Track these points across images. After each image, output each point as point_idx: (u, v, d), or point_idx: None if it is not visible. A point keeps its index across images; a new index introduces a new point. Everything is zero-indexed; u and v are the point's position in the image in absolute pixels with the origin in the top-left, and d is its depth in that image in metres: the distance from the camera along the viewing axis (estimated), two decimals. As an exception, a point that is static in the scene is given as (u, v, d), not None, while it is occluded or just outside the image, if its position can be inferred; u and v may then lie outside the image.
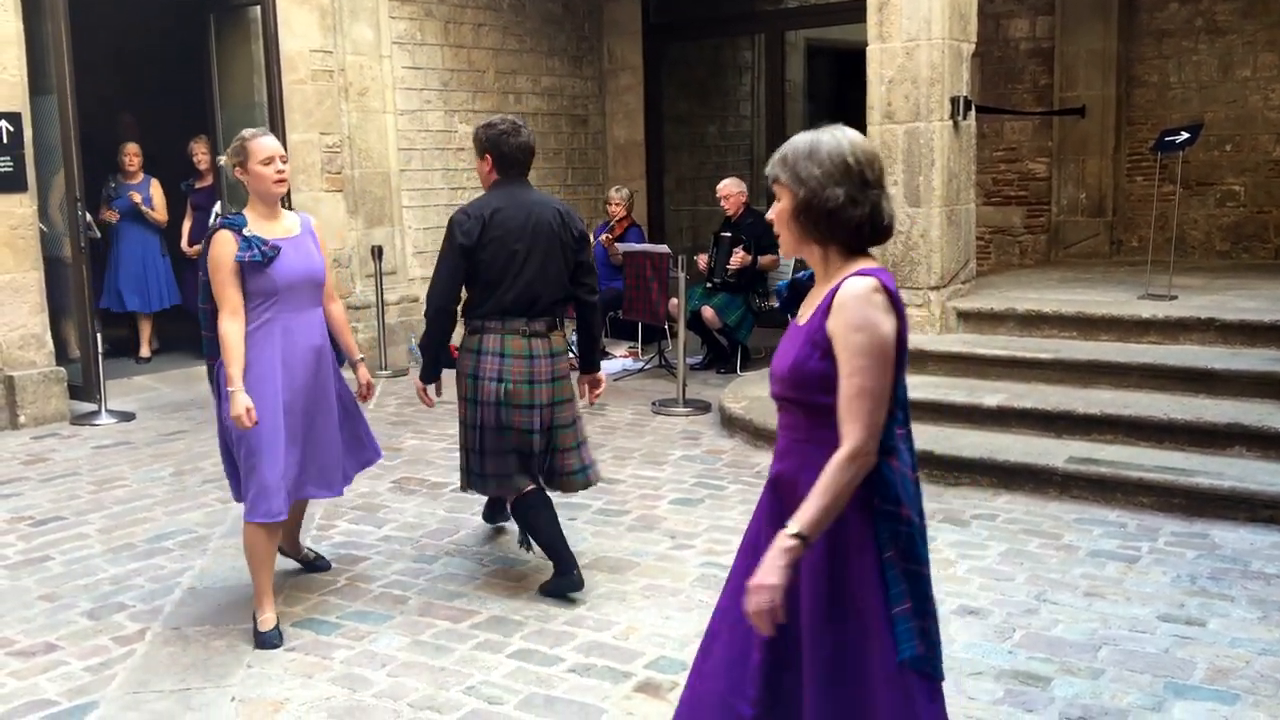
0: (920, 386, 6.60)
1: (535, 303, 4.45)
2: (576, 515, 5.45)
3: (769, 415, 6.80)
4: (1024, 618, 4.17)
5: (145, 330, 9.81)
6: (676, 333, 8.09)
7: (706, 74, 12.85)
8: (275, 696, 3.70)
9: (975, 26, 7.29)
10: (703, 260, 9.15)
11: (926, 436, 6.09)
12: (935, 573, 4.54)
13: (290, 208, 5.54)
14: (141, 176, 9.64)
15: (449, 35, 10.17)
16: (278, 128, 8.85)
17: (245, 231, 4.06)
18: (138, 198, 9.53)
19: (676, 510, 5.55)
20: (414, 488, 5.99)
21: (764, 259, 8.99)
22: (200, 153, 9.54)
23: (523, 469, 4.48)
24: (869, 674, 2.39)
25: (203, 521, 5.51)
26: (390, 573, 4.79)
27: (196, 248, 9.43)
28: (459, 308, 4.55)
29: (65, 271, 7.93)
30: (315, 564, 4.83)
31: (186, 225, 9.63)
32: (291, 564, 4.90)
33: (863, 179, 2.38)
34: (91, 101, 8.75)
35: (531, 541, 4.62)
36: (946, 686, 3.61)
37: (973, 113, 7.36)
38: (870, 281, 2.33)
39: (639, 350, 9.81)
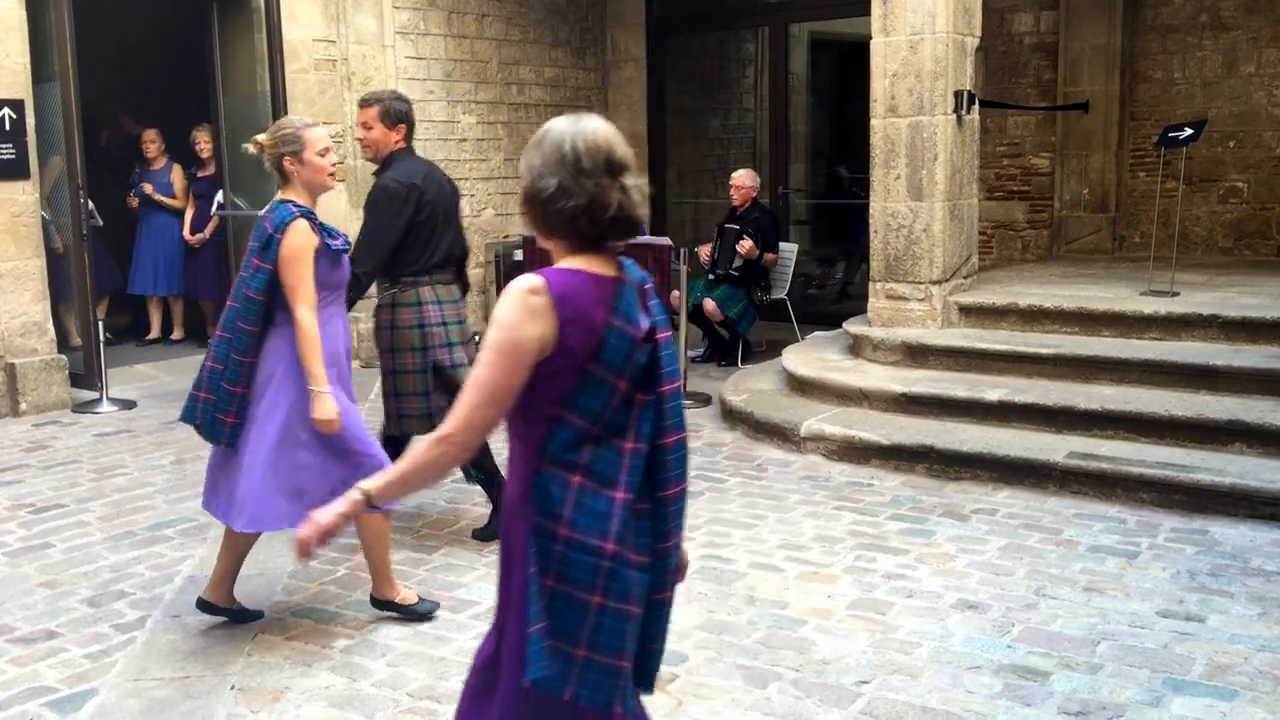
0: (921, 381, 6.61)
1: (451, 257, 4.95)
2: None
3: (770, 408, 6.80)
4: (1023, 612, 4.17)
5: (176, 313, 9.93)
6: (677, 325, 8.08)
7: (710, 66, 12.82)
8: (275, 685, 3.70)
9: (979, 21, 7.27)
10: (705, 251, 9.15)
11: (927, 430, 6.10)
12: (935, 566, 4.58)
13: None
14: (164, 162, 9.73)
15: (452, 25, 10.15)
16: (280, 117, 8.84)
17: (317, 221, 3.99)
18: (149, 188, 9.65)
19: (677, 502, 5.54)
20: (414, 478, 5.98)
21: (765, 256, 8.98)
22: (203, 141, 9.55)
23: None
24: (503, 690, 2.30)
25: (203, 510, 5.49)
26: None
27: (199, 236, 9.46)
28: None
29: (66, 259, 7.93)
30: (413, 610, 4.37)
31: (189, 214, 9.63)
32: (285, 560, 4.91)
33: (578, 168, 2.21)
34: (96, 89, 8.74)
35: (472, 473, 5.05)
36: (944, 679, 3.63)
37: (976, 107, 7.35)
38: (531, 281, 2.20)
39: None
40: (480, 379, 2.19)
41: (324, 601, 4.38)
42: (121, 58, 10.98)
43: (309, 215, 3.94)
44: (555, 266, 2.26)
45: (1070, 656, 3.80)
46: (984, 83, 9.28)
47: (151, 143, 9.74)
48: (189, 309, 10.14)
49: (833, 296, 11.95)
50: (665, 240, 8.75)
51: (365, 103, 4.89)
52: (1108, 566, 4.62)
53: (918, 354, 6.95)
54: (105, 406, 7.65)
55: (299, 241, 3.87)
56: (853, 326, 7.48)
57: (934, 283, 7.14)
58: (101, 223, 8.41)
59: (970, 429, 6.12)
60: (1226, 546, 4.80)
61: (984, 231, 9.66)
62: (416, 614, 4.20)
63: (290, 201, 3.97)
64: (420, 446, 2.25)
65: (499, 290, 10.44)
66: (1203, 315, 6.53)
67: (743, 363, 8.84)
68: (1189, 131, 7.46)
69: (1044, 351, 6.53)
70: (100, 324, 7.84)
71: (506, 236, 10.64)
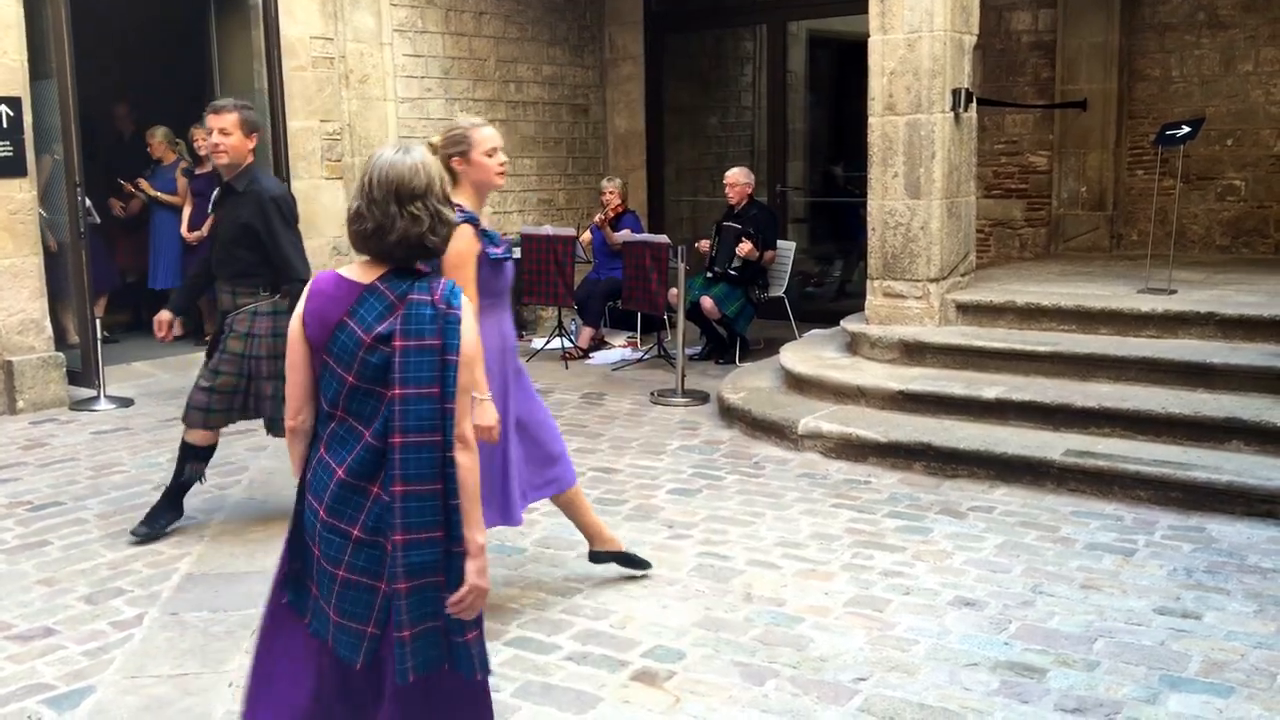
0: (919, 378, 6.61)
1: None
2: (574, 504, 5.46)
3: (768, 406, 6.80)
4: (1020, 609, 4.18)
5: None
6: (675, 323, 8.09)
7: (708, 64, 12.82)
8: (272, 682, 3.70)
9: (977, 19, 7.28)
10: (704, 245, 9.15)
11: (925, 428, 6.10)
12: (933, 564, 4.59)
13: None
14: (173, 158, 9.74)
15: (450, 23, 10.15)
16: (278, 114, 8.85)
17: (483, 226, 3.96)
18: (144, 184, 9.71)
19: (674, 500, 5.55)
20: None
21: (765, 254, 8.99)
22: (201, 138, 9.53)
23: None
24: None
25: (200, 508, 5.51)
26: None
27: (196, 234, 9.45)
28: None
29: (64, 256, 7.93)
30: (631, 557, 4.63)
31: (186, 211, 9.62)
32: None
33: (370, 196, 2.57)
34: (92, 87, 8.73)
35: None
36: (941, 676, 3.64)
37: (974, 105, 7.35)
38: (317, 275, 2.70)
39: (638, 340, 9.81)
40: (285, 359, 2.72)
41: (322, 599, 4.38)
42: (119, 55, 10.97)
43: (472, 220, 3.90)
44: (331, 269, 2.69)
45: (1067, 654, 3.81)
46: (982, 81, 9.29)
47: (158, 144, 9.79)
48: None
49: (830, 294, 11.97)
50: (663, 238, 8.79)
51: (222, 109, 4.96)
52: (1105, 564, 4.62)
53: (915, 352, 6.96)
54: (103, 404, 7.65)
55: (461, 247, 3.77)
56: (850, 324, 7.48)
57: (931, 281, 7.14)
58: (99, 220, 8.40)
59: (967, 427, 6.12)
60: (1223, 544, 4.81)
61: (982, 229, 9.67)
62: (636, 561, 4.53)
63: (457, 206, 3.81)
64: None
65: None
66: (1200, 313, 6.53)
67: (740, 360, 8.84)
68: (1186, 130, 7.46)
69: (1041, 349, 6.54)
70: (98, 322, 7.83)
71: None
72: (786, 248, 9.48)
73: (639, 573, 4.54)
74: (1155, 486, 5.32)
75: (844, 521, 5.18)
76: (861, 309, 7.53)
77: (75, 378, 7.87)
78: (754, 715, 3.44)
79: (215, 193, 5.25)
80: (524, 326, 10.68)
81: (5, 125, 7.36)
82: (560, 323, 9.68)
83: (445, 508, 2.55)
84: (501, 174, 4.08)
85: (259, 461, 6.33)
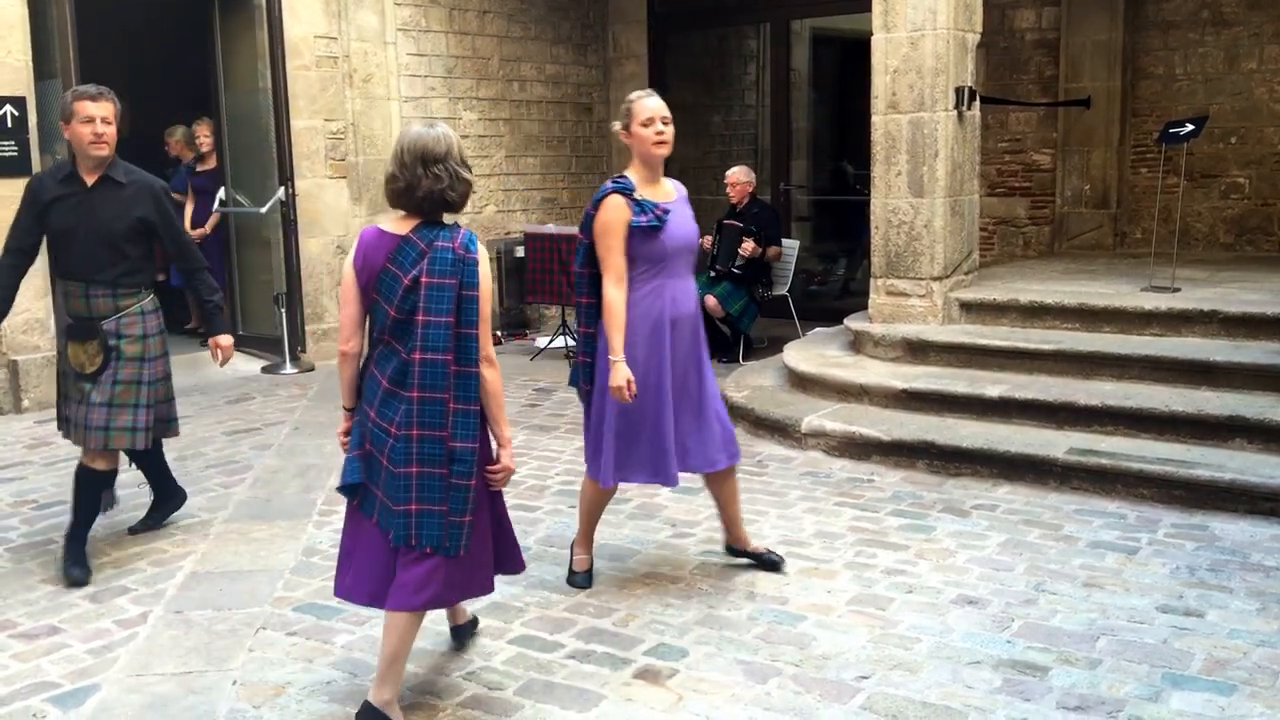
0: (922, 377, 6.61)
1: None
2: (577, 503, 5.46)
3: (771, 404, 6.81)
4: (1023, 608, 4.18)
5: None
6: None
7: (711, 63, 12.82)
8: (276, 680, 3.71)
9: (980, 17, 7.27)
10: (706, 241, 9.14)
11: (928, 426, 6.10)
12: (935, 562, 4.59)
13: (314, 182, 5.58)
14: (190, 156, 9.80)
15: (453, 22, 10.16)
16: (282, 114, 8.86)
17: (636, 195, 4.05)
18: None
19: (677, 498, 5.56)
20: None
21: (769, 250, 8.99)
22: (203, 136, 9.56)
23: None
24: None
25: (205, 506, 5.52)
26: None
27: (199, 231, 9.47)
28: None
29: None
30: (766, 558, 4.61)
31: (189, 209, 9.64)
32: (287, 556, 4.92)
33: (401, 161, 3.28)
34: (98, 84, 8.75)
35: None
36: (944, 675, 3.65)
37: (977, 103, 7.35)
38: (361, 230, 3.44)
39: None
40: (339, 295, 3.50)
41: (326, 597, 4.39)
42: (123, 54, 10.98)
43: (623, 190, 4.05)
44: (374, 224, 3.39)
45: (1069, 652, 3.81)
46: (985, 79, 9.28)
47: (175, 142, 9.84)
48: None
49: (834, 293, 11.96)
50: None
51: (101, 96, 4.50)
52: (1107, 562, 4.62)
53: (918, 350, 6.96)
54: (107, 403, 7.65)
55: (606, 216, 4.07)
56: (854, 323, 7.48)
57: (935, 279, 7.14)
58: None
59: (971, 425, 6.12)
60: (1226, 542, 4.81)
61: (985, 228, 9.66)
62: (770, 562, 4.51)
63: (620, 175, 4.19)
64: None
65: (501, 289, 10.46)
66: (1203, 311, 6.53)
67: (744, 359, 8.84)
68: (1190, 127, 7.45)
69: (1045, 348, 6.54)
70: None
71: (508, 233, 10.65)
72: (790, 246, 9.48)
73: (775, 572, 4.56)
74: (1158, 485, 5.32)
75: (847, 520, 5.18)
76: (865, 307, 7.53)
77: (80, 377, 7.88)
78: (757, 713, 3.45)
79: (81, 188, 4.57)
80: (528, 325, 10.70)
81: (10, 125, 7.38)
82: (564, 321, 9.69)
83: (448, 412, 3.27)
84: (659, 144, 4.12)
85: (263, 460, 6.34)
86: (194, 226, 9.52)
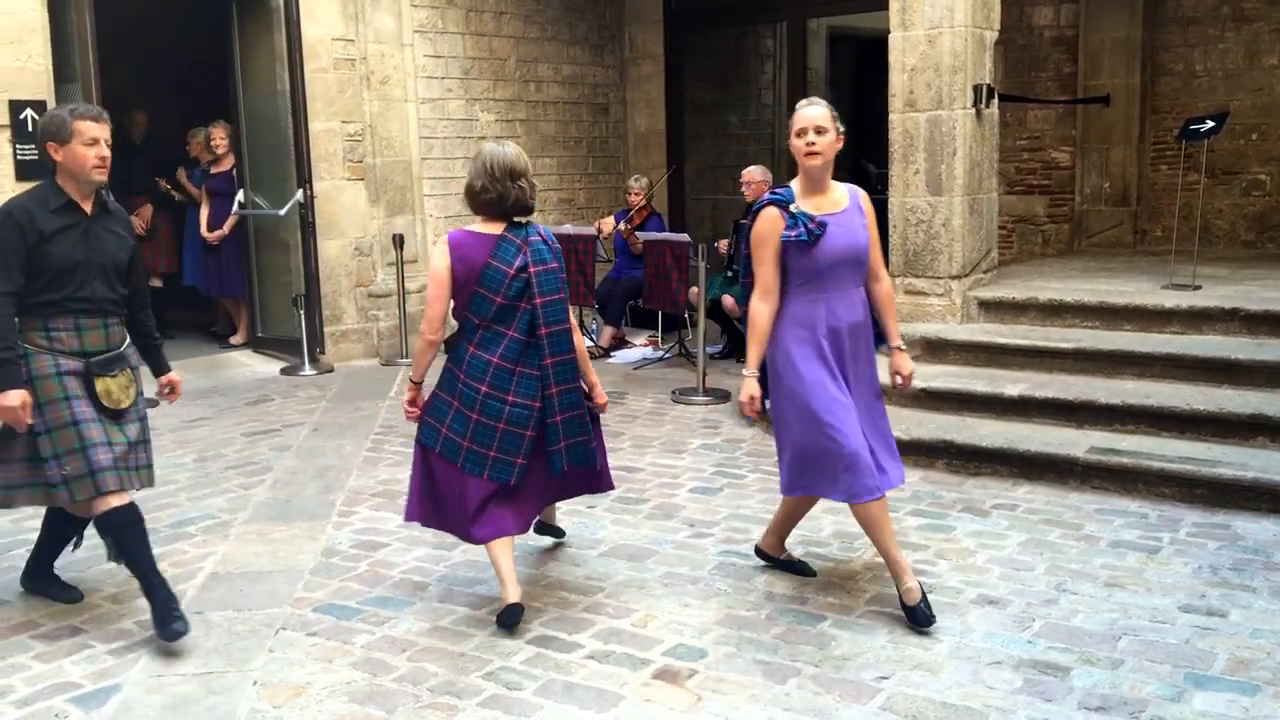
0: (941, 376, 6.59)
1: None
2: (596, 503, 5.47)
3: (789, 404, 6.79)
4: (1043, 608, 4.16)
5: (230, 309, 10.03)
6: (696, 322, 8.09)
7: (728, 62, 12.81)
8: (296, 680, 3.72)
9: (999, 14, 7.24)
10: (724, 245, 9.13)
11: (947, 425, 6.08)
12: (955, 562, 4.57)
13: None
14: (208, 159, 9.85)
15: (470, 23, 10.18)
16: (300, 116, 8.90)
17: (792, 208, 3.99)
18: (163, 184, 9.86)
19: (696, 499, 5.55)
20: (434, 475, 6.00)
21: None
22: (218, 138, 9.59)
23: None
24: None
25: (225, 508, 5.55)
26: (411, 559, 4.82)
27: (217, 233, 9.52)
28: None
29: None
30: (796, 565, 4.57)
31: (204, 211, 9.68)
32: (306, 557, 4.94)
33: (493, 176, 3.98)
34: (115, 89, 8.80)
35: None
36: (964, 675, 3.63)
37: (996, 101, 7.32)
38: (447, 235, 4.08)
39: (659, 339, 9.81)
40: (427, 295, 4.11)
41: (345, 598, 4.41)
42: (142, 58, 11.06)
43: (779, 201, 4.02)
44: (460, 228, 4.11)
45: (1091, 652, 3.79)
46: (1003, 76, 9.25)
47: (198, 143, 9.93)
48: (201, 305, 10.29)
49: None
50: (684, 237, 8.77)
51: (102, 116, 4.11)
52: (1129, 561, 4.60)
53: (937, 349, 6.93)
54: (128, 405, 7.68)
55: (759, 229, 4.07)
56: (872, 322, 7.45)
57: (953, 277, 7.11)
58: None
59: (990, 424, 6.10)
60: (1249, 541, 4.78)
61: (1004, 226, 9.62)
62: (913, 614, 4.00)
63: (782, 185, 4.19)
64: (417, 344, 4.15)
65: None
66: (1225, 309, 6.49)
67: (762, 359, 8.81)
68: (1210, 124, 7.41)
69: (1064, 346, 6.51)
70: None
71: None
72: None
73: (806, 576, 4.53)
74: (1180, 484, 5.29)
75: (866, 520, 5.16)
76: (883, 306, 7.50)
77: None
78: (776, 714, 3.44)
79: (83, 217, 4.09)
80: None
81: (31, 129, 7.42)
82: (581, 322, 9.69)
83: (576, 368, 4.13)
84: (809, 154, 4.01)
85: (282, 461, 6.36)
86: (210, 229, 9.56)
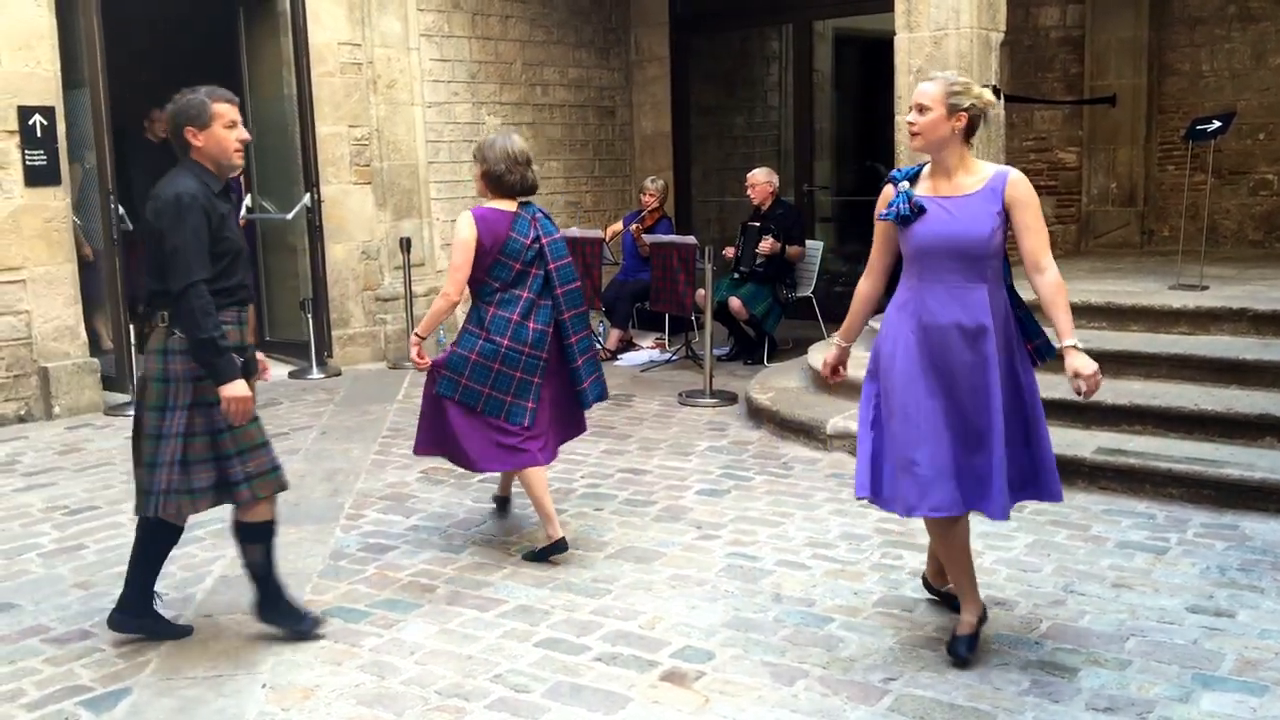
0: (948, 377, 6.57)
1: (144, 294, 4.02)
2: (603, 505, 5.48)
3: (796, 406, 6.80)
4: (1051, 609, 4.16)
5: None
6: (703, 324, 8.09)
7: (734, 64, 12.82)
8: (305, 683, 3.74)
9: (1004, 15, 7.23)
10: (730, 253, 9.13)
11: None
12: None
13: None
14: None
15: (476, 27, 10.20)
16: (306, 120, 8.93)
17: (902, 186, 3.70)
18: None
19: (703, 501, 5.56)
20: (441, 478, 6.02)
21: (790, 249, 8.99)
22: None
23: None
24: None
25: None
26: (418, 562, 4.83)
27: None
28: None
29: (98, 264, 8.02)
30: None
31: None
32: (314, 560, 4.95)
33: (514, 161, 4.70)
34: (124, 94, 8.83)
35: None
36: (972, 676, 3.63)
37: (1002, 102, 7.30)
38: (471, 210, 4.70)
39: (666, 341, 9.82)
40: (450, 263, 4.76)
41: (353, 601, 4.42)
42: (149, 63, 11.08)
43: (895, 179, 3.77)
44: (480, 205, 4.74)
45: (1098, 653, 3.79)
46: (1009, 77, 9.23)
47: None
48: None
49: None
50: (690, 239, 8.78)
51: (236, 100, 4.02)
52: (1136, 562, 4.59)
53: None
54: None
55: (878, 206, 3.82)
56: (879, 323, 7.44)
57: (960, 279, 7.09)
58: (131, 227, 8.49)
59: (997, 425, 6.08)
60: (1257, 541, 4.77)
61: (1011, 227, 9.60)
62: (957, 644, 3.79)
63: (919, 164, 3.89)
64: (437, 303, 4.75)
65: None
66: (1232, 309, 6.48)
67: (768, 361, 8.83)
68: (1217, 124, 7.40)
69: (1071, 347, 6.48)
70: (130, 327, 7.89)
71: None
72: (814, 247, 9.47)
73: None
74: (1187, 484, 5.28)
75: (873, 521, 5.16)
76: (890, 308, 7.49)
77: (109, 383, 7.96)
78: (783, 715, 3.44)
79: (227, 201, 4.01)
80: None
81: (39, 135, 7.45)
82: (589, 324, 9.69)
83: (588, 319, 4.93)
84: (912, 135, 3.71)
85: (290, 464, 6.37)
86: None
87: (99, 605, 4.41)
